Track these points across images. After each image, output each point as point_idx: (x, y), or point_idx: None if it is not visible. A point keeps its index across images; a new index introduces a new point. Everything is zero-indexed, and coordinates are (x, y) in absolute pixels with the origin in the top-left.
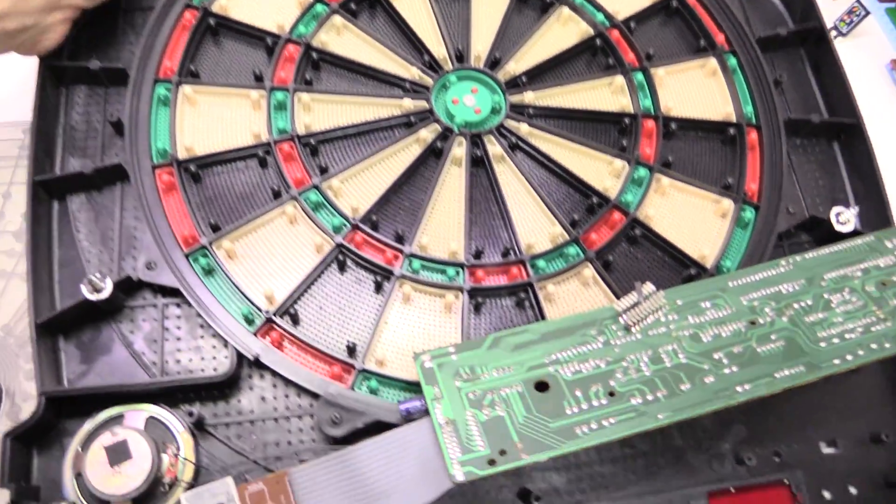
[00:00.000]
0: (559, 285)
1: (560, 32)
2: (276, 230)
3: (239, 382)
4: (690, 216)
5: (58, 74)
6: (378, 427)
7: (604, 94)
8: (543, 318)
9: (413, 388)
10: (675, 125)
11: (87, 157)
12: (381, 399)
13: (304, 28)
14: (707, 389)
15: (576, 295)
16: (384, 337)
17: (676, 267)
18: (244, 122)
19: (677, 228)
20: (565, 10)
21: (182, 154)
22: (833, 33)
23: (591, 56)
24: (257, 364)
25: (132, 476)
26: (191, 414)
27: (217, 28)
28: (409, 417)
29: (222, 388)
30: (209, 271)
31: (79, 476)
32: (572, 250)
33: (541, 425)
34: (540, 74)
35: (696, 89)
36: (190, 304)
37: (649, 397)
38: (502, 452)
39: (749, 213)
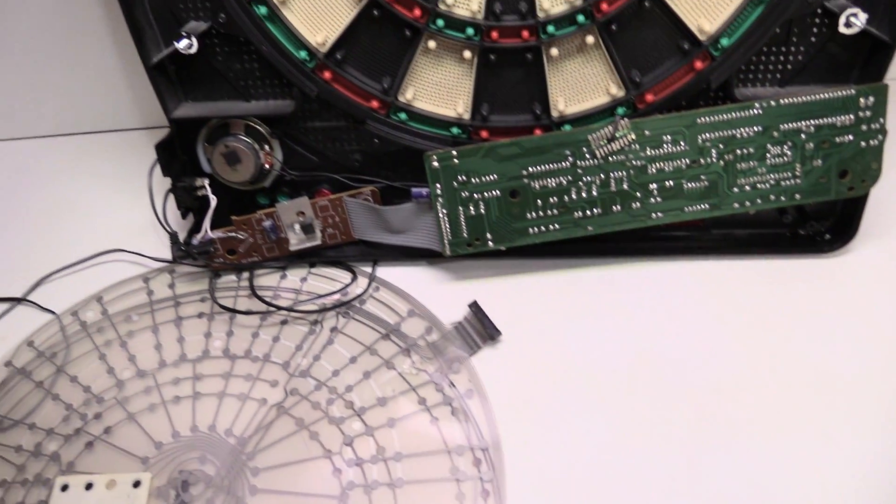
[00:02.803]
0: (563, 49)
1: None
2: None
3: (304, 113)
4: None
5: None
6: (407, 151)
7: None
8: (545, 81)
9: (432, 121)
10: None
11: None
12: (412, 127)
13: None
14: (631, 213)
15: (575, 60)
16: (412, 81)
17: (674, 37)
18: None
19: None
20: None
21: None
22: None
23: None
24: (318, 100)
25: (244, 170)
26: (270, 131)
27: None
28: (417, 199)
29: (294, 114)
30: (269, 17)
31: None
32: (581, 18)
33: (507, 224)
34: None
35: None
36: (260, 50)
37: (588, 213)
38: (477, 239)
39: None
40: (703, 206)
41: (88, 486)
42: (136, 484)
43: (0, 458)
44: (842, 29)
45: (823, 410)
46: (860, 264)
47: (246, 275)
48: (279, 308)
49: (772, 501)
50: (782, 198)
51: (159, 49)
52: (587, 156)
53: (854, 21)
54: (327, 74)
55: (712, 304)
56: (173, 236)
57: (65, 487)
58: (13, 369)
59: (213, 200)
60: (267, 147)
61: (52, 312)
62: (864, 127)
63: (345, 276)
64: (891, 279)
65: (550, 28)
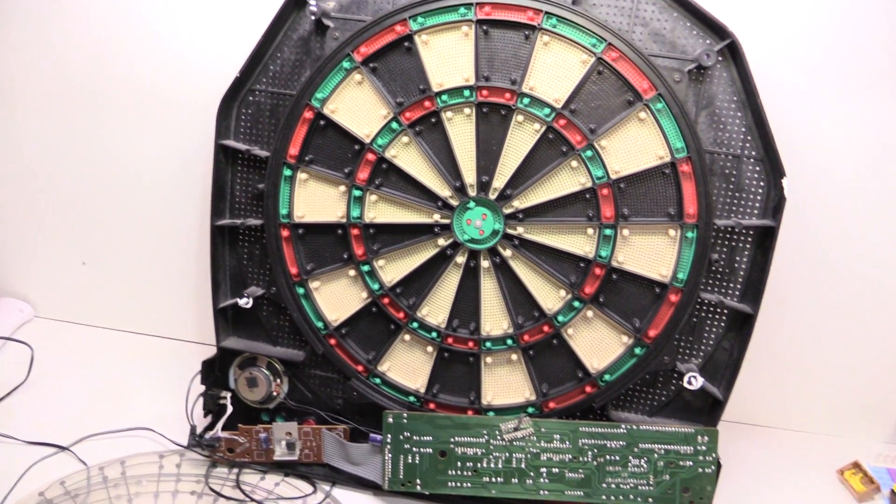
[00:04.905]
0: (495, 359)
1: (567, 177)
2: (342, 282)
3: (310, 363)
4: (602, 339)
5: (227, 154)
6: (375, 406)
7: (580, 238)
8: (480, 378)
9: (397, 388)
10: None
11: (239, 213)
12: (383, 390)
13: (382, 140)
14: (525, 486)
15: (503, 368)
16: (389, 358)
17: (573, 368)
18: (334, 205)
19: (588, 345)
20: (573, 162)
21: (295, 220)
22: None
23: (585, 208)
24: (322, 356)
25: (258, 393)
26: (284, 370)
27: (325, 126)
28: (373, 443)
29: (304, 362)
30: (304, 296)
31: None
32: (510, 341)
33: (433, 475)
34: (536, 213)
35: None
36: (292, 315)
37: (493, 480)
38: (409, 481)
39: (639, 349)
40: (579, 492)
41: None
42: None
43: None
44: (686, 385)
45: None
46: None
47: (235, 470)
48: (252, 500)
49: None
50: (639, 499)
51: (226, 299)
52: (498, 437)
53: (693, 381)
54: (332, 341)
55: None
56: (192, 428)
57: None
58: (43, 499)
59: (230, 410)
60: (278, 380)
61: (85, 463)
62: (700, 458)
63: (307, 489)
64: None
65: (488, 343)
